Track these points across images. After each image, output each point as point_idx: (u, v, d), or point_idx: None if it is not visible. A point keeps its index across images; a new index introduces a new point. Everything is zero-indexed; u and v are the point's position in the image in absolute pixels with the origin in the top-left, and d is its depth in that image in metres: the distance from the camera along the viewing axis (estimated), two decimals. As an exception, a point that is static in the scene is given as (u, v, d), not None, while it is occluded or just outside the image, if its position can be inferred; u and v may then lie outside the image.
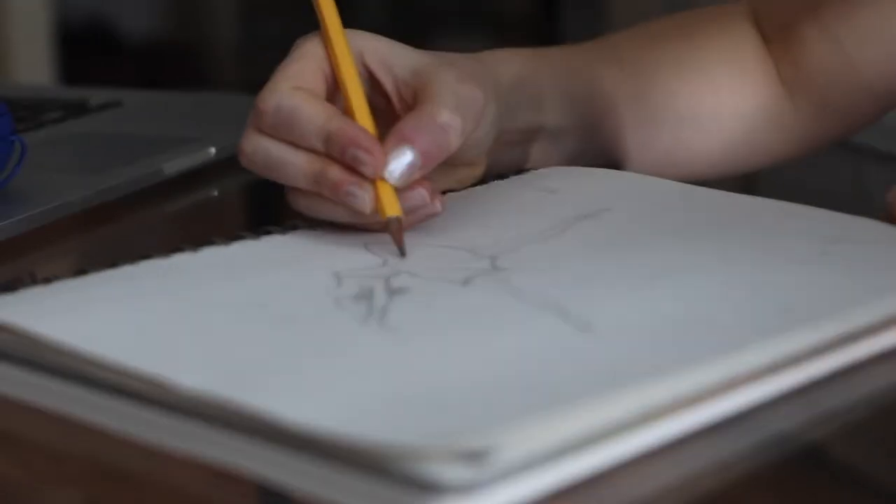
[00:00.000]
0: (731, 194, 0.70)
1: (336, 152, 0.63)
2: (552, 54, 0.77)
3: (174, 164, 0.84)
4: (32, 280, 0.60)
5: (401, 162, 0.63)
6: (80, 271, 0.60)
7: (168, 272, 0.61)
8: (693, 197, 0.70)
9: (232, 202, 0.89)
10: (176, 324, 0.55)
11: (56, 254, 0.75)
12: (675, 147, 0.80)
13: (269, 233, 0.65)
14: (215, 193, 0.86)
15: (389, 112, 0.67)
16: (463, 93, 0.65)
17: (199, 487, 0.48)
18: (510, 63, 0.74)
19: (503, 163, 0.74)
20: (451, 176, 0.70)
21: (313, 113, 0.64)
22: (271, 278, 0.60)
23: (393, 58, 0.67)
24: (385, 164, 0.62)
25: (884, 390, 0.54)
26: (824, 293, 0.57)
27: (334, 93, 0.66)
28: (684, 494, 0.47)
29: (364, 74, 0.67)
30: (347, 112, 0.65)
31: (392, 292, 0.58)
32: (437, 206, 0.64)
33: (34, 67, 2.47)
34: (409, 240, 0.63)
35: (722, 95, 0.80)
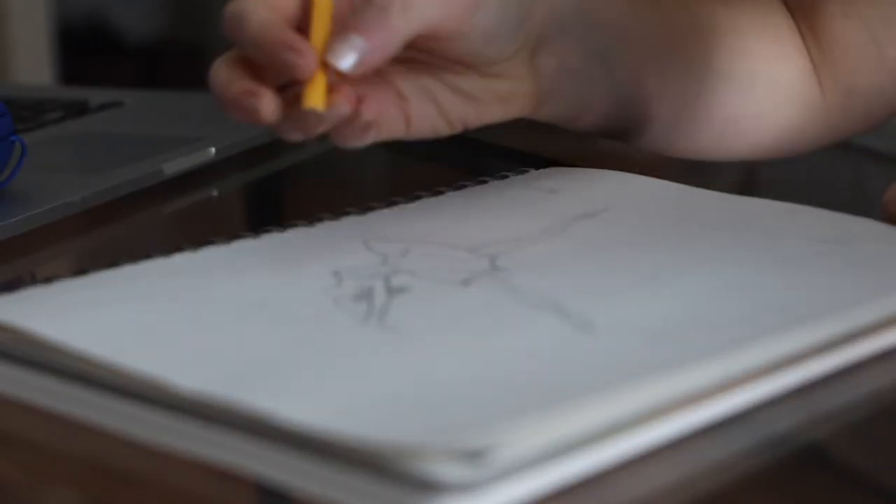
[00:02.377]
0: (731, 195, 0.70)
1: (267, 58, 0.62)
2: None
3: (174, 164, 0.84)
4: (32, 280, 0.60)
5: (342, 47, 0.62)
6: (80, 271, 0.60)
7: (168, 272, 0.61)
8: (692, 197, 0.70)
9: (232, 202, 0.89)
10: (176, 324, 0.55)
11: (56, 254, 0.75)
12: (710, 102, 0.77)
13: (268, 232, 0.65)
14: (215, 193, 0.86)
15: None
16: None
17: (199, 487, 0.48)
18: None
19: (575, 99, 0.72)
20: (487, 89, 0.68)
21: (254, 18, 0.62)
22: (271, 278, 0.60)
23: None
24: (313, 61, 0.61)
25: (884, 390, 0.54)
26: (824, 293, 0.57)
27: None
28: (684, 494, 0.47)
29: None
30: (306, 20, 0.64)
31: (392, 292, 0.58)
32: (365, 112, 0.63)
33: (34, 68, 2.48)
34: (409, 238, 0.63)
35: (757, 60, 0.77)
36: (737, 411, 0.50)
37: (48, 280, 0.60)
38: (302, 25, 0.63)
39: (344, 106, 0.62)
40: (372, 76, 0.65)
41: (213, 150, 0.87)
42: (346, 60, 0.62)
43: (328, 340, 0.54)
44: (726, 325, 0.54)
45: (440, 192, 0.71)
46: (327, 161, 0.93)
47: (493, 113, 0.69)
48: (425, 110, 0.67)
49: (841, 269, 0.60)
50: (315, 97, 0.61)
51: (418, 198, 0.70)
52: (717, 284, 0.58)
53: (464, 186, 0.71)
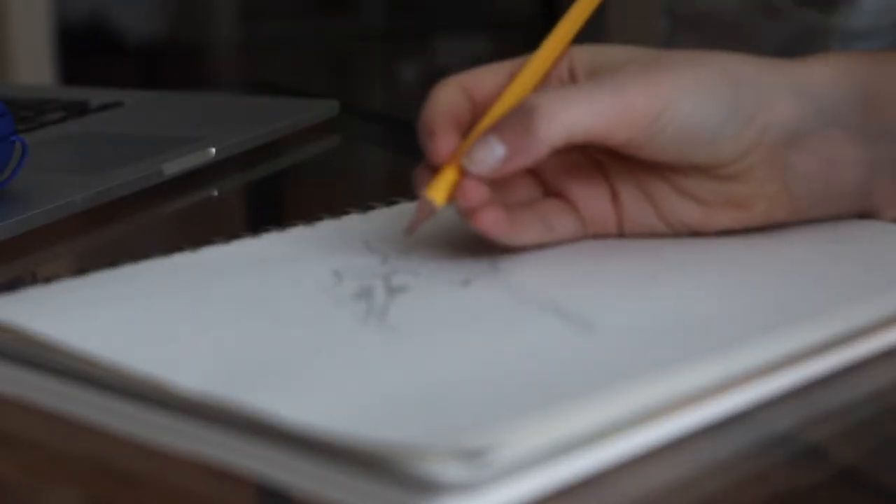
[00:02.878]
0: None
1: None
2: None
3: (174, 165, 0.84)
4: (33, 280, 0.60)
5: (477, 148, 0.59)
6: (81, 271, 0.61)
7: (168, 272, 0.61)
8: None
9: (232, 202, 0.89)
10: (176, 323, 0.55)
11: (56, 254, 0.76)
12: None
13: (268, 232, 0.65)
14: (215, 193, 0.86)
15: None
16: (594, 64, 0.62)
17: (199, 487, 0.48)
18: (834, 64, 0.64)
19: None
20: (717, 192, 0.62)
21: (434, 98, 0.62)
22: (271, 277, 0.60)
23: (598, 56, 0.63)
24: (439, 150, 0.60)
25: (884, 390, 0.54)
26: (823, 293, 0.57)
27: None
28: (684, 494, 0.47)
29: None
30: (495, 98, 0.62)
31: (392, 291, 0.58)
32: (505, 231, 0.61)
33: (35, 68, 2.48)
34: (409, 238, 0.64)
35: None
36: (737, 411, 0.50)
37: (48, 280, 0.60)
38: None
39: (465, 202, 0.60)
40: (588, 170, 0.63)
41: (212, 150, 0.87)
42: (477, 165, 0.59)
43: (328, 340, 0.54)
44: (726, 325, 0.54)
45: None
46: (327, 161, 0.93)
47: (723, 219, 0.63)
48: (640, 211, 0.63)
49: (840, 269, 0.60)
50: (436, 187, 0.60)
51: (418, 198, 0.70)
52: (717, 284, 0.58)
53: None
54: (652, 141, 0.60)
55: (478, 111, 0.62)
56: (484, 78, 0.63)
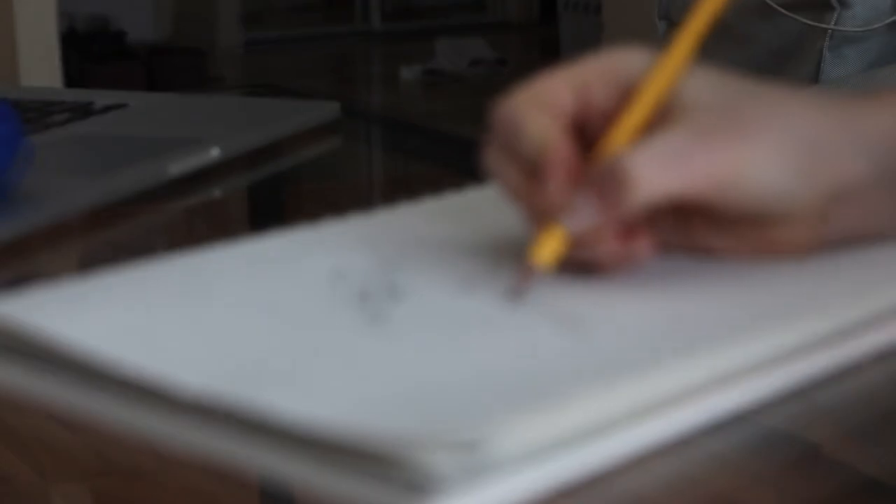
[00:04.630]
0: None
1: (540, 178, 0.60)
2: None
3: (178, 165, 0.85)
4: (38, 280, 0.60)
5: (571, 211, 0.59)
6: (85, 272, 0.61)
7: (171, 272, 0.61)
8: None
9: (236, 203, 0.89)
10: (176, 323, 0.56)
11: (61, 254, 0.76)
12: None
13: (270, 233, 0.66)
14: (219, 194, 0.87)
15: None
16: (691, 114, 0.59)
17: (204, 483, 0.49)
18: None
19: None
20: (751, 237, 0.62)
21: (532, 129, 0.60)
22: (271, 277, 0.61)
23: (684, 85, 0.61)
24: (555, 201, 0.59)
25: (884, 390, 0.54)
26: (822, 291, 0.58)
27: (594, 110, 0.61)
28: (683, 494, 0.47)
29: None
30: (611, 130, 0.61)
31: (392, 292, 0.58)
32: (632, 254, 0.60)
33: (42, 71, 2.48)
34: (410, 239, 0.64)
35: None
36: (734, 407, 0.50)
37: (53, 280, 0.60)
38: (582, 121, 0.61)
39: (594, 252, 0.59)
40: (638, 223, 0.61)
41: (216, 150, 0.87)
42: (574, 227, 0.59)
43: (328, 340, 0.54)
44: (724, 322, 0.55)
45: (441, 193, 0.71)
46: (329, 162, 0.94)
47: (749, 253, 0.62)
48: (666, 231, 0.62)
49: (841, 267, 0.60)
50: (544, 249, 0.59)
51: (419, 198, 0.70)
52: (715, 283, 0.59)
53: (464, 187, 0.72)
54: (713, 200, 0.60)
55: (571, 137, 0.61)
56: (552, 93, 0.61)
